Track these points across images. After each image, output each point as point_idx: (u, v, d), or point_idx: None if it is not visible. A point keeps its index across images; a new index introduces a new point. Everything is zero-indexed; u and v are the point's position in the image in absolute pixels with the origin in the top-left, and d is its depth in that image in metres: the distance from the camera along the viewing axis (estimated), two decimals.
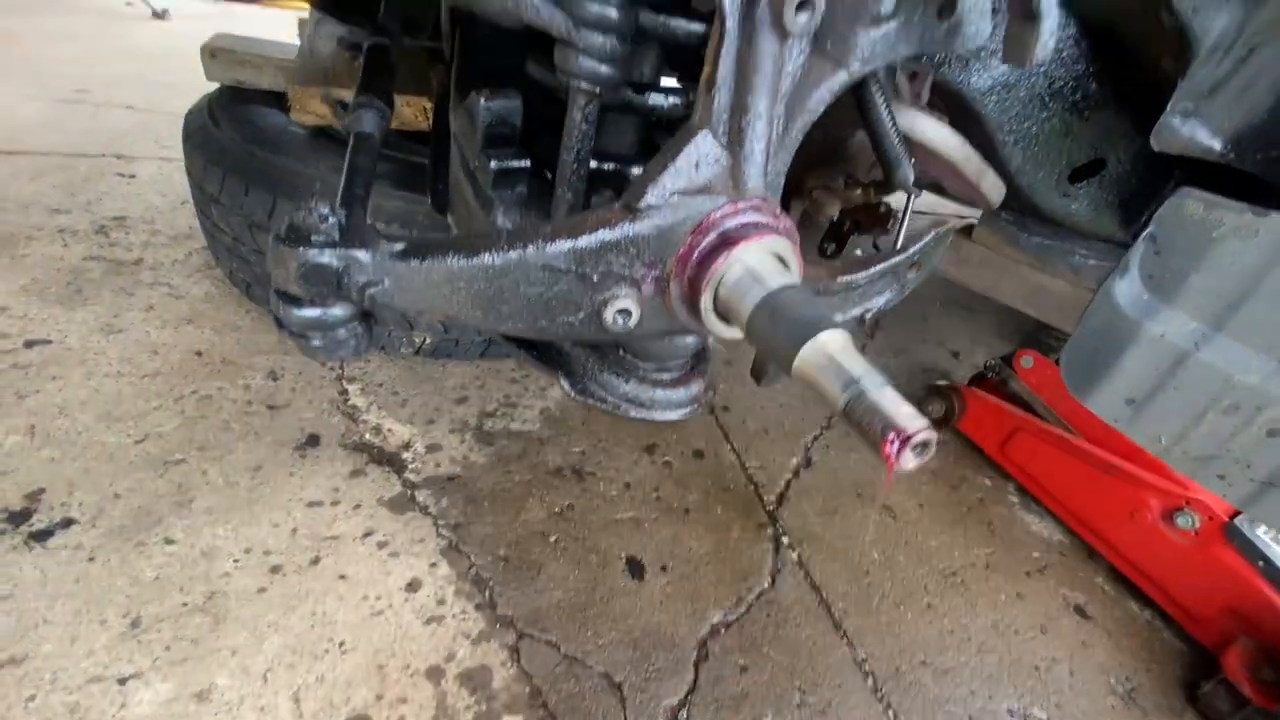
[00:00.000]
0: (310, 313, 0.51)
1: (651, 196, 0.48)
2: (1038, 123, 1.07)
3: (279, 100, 1.30)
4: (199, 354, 1.29)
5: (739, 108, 0.48)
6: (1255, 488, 0.85)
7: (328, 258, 0.48)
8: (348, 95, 1.14)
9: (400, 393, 1.31)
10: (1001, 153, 1.09)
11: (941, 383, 1.58)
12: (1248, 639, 1.09)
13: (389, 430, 1.22)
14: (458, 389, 1.35)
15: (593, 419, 1.36)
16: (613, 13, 0.52)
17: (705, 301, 0.48)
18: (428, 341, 1.30)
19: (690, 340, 0.63)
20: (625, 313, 0.51)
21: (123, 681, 0.79)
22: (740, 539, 1.17)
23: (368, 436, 1.20)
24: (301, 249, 0.47)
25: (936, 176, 0.76)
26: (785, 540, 1.20)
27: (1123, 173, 1.15)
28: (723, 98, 0.48)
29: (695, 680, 0.94)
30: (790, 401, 1.57)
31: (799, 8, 0.44)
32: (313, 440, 1.16)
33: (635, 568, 1.08)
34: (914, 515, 1.33)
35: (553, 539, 1.09)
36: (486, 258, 0.49)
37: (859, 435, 0.37)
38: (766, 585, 1.11)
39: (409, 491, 1.11)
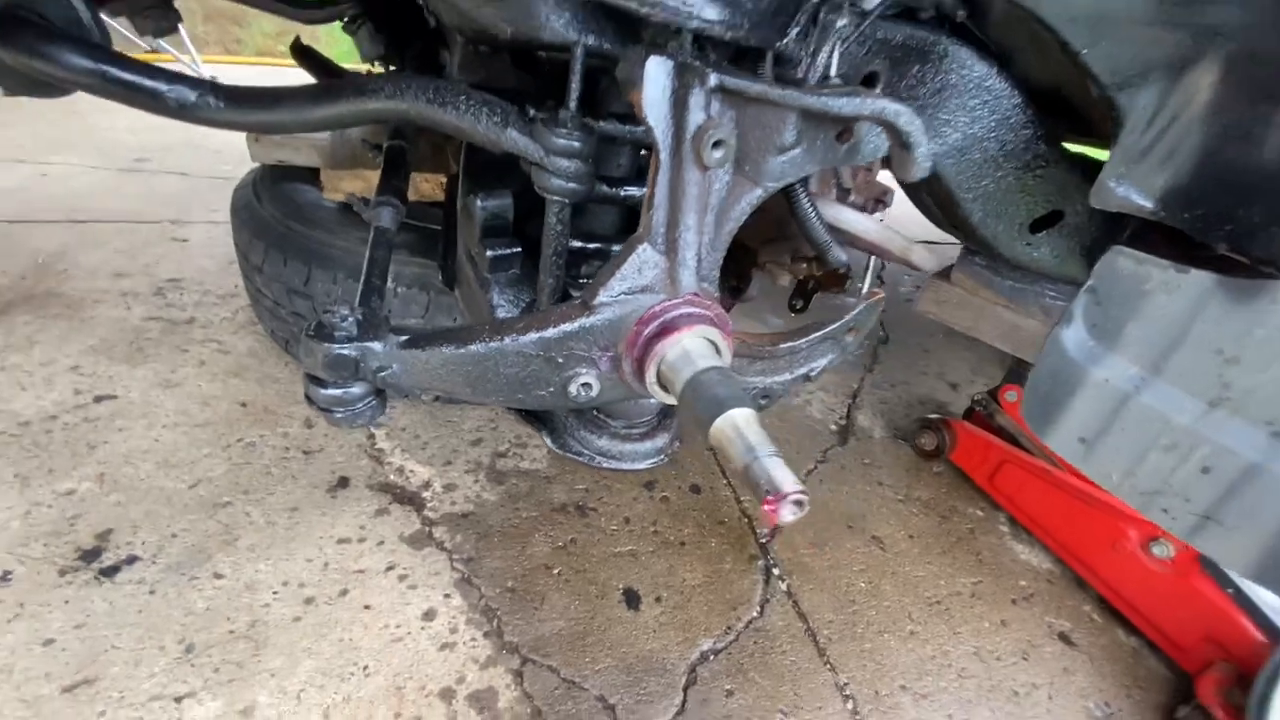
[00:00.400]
0: (333, 392, 0.63)
1: (603, 295, 0.59)
2: (994, 180, 1.16)
3: (315, 175, 1.47)
4: (244, 405, 1.44)
5: (673, 223, 0.59)
6: (1195, 520, 0.91)
7: (347, 350, 0.60)
8: (371, 178, 1.29)
9: (421, 436, 1.43)
10: (963, 208, 1.19)
11: (933, 416, 1.64)
12: (1224, 664, 1.12)
13: (411, 471, 1.34)
14: (473, 431, 1.47)
15: None
16: (575, 144, 0.64)
17: (650, 376, 0.59)
18: None
19: (653, 401, 0.74)
20: (587, 385, 0.62)
21: (179, 700, 0.92)
22: (732, 570, 1.26)
23: (391, 477, 1.32)
24: (326, 344, 0.59)
25: (869, 253, 0.85)
26: (775, 571, 1.28)
27: (1081, 222, 1.23)
28: (660, 215, 0.59)
29: (683, 703, 1.02)
30: (786, 436, 1.66)
31: (714, 146, 0.55)
32: (343, 482, 1.29)
33: (632, 598, 1.17)
34: (903, 545, 1.39)
35: (556, 571, 1.19)
36: (473, 347, 0.61)
37: (751, 492, 0.47)
38: (755, 614, 1.18)
39: (427, 529, 1.23)
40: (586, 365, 0.62)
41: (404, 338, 0.62)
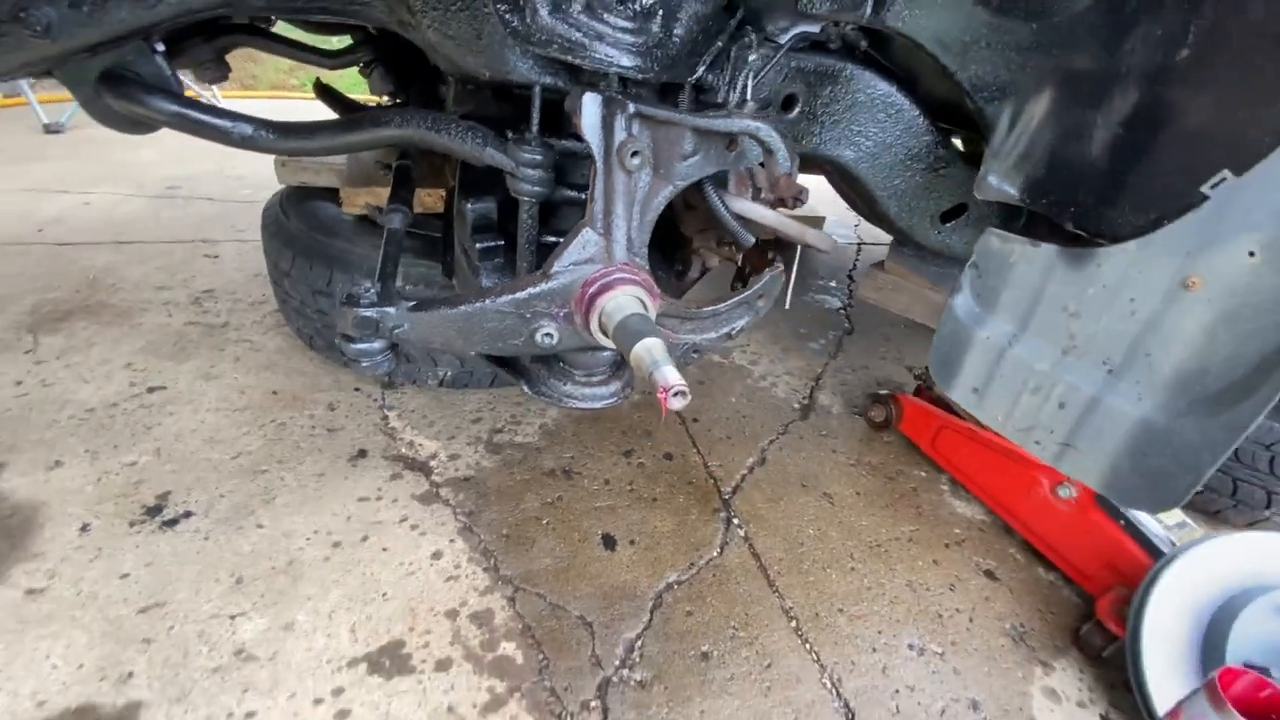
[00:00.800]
0: (360, 346, 0.84)
1: (558, 266, 0.81)
2: (904, 180, 1.38)
3: (333, 195, 1.70)
4: (275, 393, 1.66)
5: (608, 211, 0.80)
6: (1058, 448, 1.11)
7: (370, 313, 0.82)
8: (383, 195, 1.51)
9: (428, 416, 1.65)
10: (882, 204, 1.42)
11: (882, 392, 1.84)
12: (1121, 587, 1.31)
13: (420, 444, 1.55)
14: (474, 411, 1.68)
15: (581, 431, 1.67)
16: (538, 157, 0.85)
17: (594, 324, 0.80)
18: (448, 375, 1.64)
19: (606, 355, 0.95)
20: (549, 335, 0.83)
21: (233, 618, 1.12)
22: (697, 520, 1.46)
23: (403, 450, 1.53)
24: (354, 309, 0.80)
25: (772, 236, 1.06)
26: (735, 521, 1.47)
27: (983, 213, 1.45)
28: (598, 206, 0.81)
29: (650, 620, 1.21)
30: (753, 413, 1.86)
31: (633, 155, 0.77)
32: (362, 453, 1.50)
33: (609, 541, 1.37)
34: (851, 501, 1.59)
35: (544, 521, 1.39)
36: (463, 308, 0.83)
37: (654, 389, 0.68)
38: (715, 554, 1.38)
39: (434, 489, 1.43)
40: (548, 319, 0.83)
41: (412, 303, 0.84)
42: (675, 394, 0.65)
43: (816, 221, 3.15)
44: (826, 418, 1.89)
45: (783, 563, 1.38)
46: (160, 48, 0.91)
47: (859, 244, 3.36)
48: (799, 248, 1.31)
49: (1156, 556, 1.26)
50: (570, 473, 1.53)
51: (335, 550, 1.26)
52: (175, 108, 0.90)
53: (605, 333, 0.80)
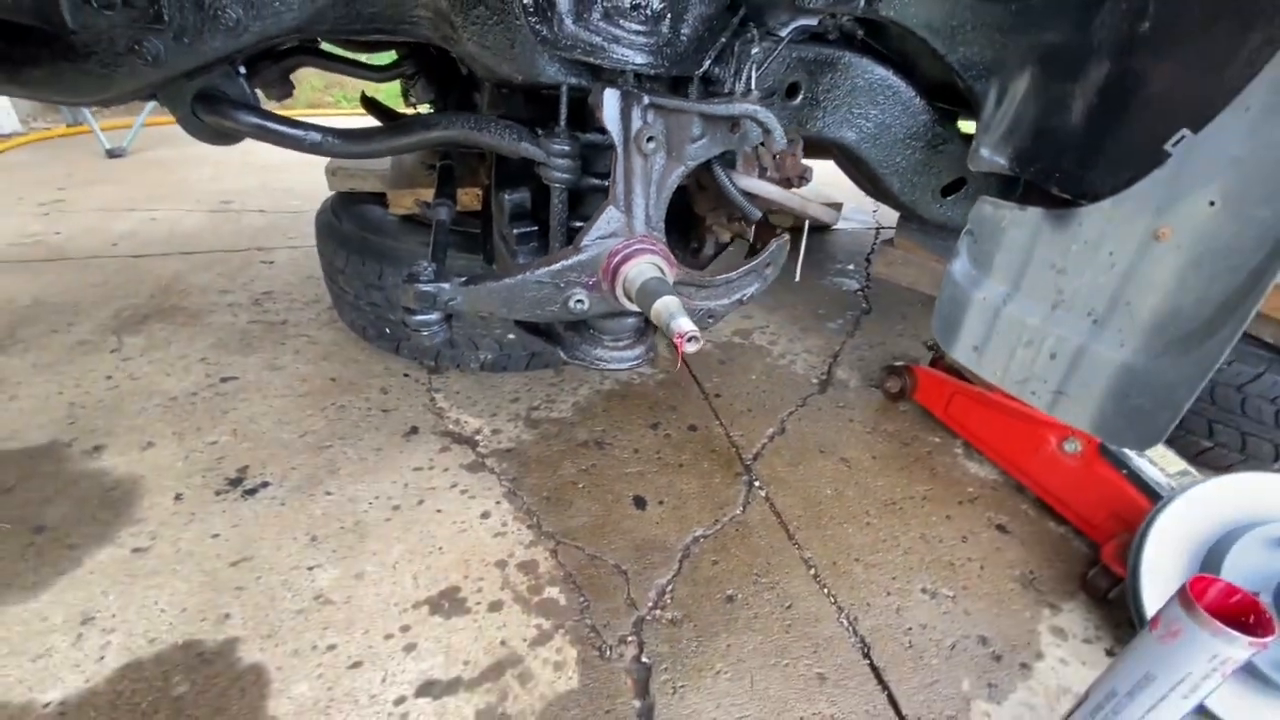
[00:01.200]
0: (420, 318, 0.98)
1: (587, 240, 0.93)
2: (905, 157, 1.48)
3: (380, 198, 1.86)
4: (333, 380, 1.82)
5: (628, 191, 0.93)
6: (1052, 396, 1.20)
7: (428, 288, 0.95)
8: (426, 194, 1.66)
9: (471, 396, 1.79)
10: (885, 181, 1.52)
11: (897, 363, 1.93)
12: (1125, 533, 1.38)
13: (465, 421, 1.70)
14: (512, 392, 1.82)
15: (611, 407, 1.80)
16: (566, 148, 0.98)
17: (619, 289, 0.92)
18: (488, 358, 1.79)
19: (630, 321, 1.07)
20: (580, 301, 0.96)
21: (310, 569, 1.27)
22: (721, 483, 1.57)
23: (450, 426, 1.68)
24: (415, 284, 0.94)
25: (779, 210, 1.17)
26: (756, 483, 1.58)
27: (981, 186, 1.54)
28: (619, 187, 0.93)
29: (679, 568, 1.33)
30: (773, 388, 1.96)
31: (648, 141, 0.89)
32: (414, 430, 1.65)
33: (640, 502, 1.49)
34: (867, 464, 1.68)
35: (580, 485, 1.52)
36: (506, 281, 0.95)
37: (669, 337, 0.79)
38: (739, 512, 1.49)
39: (480, 459, 1.57)
40: (579, 288, 0.96)
41: (464, 279, 0.97)
42: (689, 340, 0.77)
43: (834, 206, 3.24)
44: (844, 391, 1.98)
45: (802, 519, 1.48)
46: (242, 70, 1.06)
47: (877, 228, 3.42)
48: (806, 223, 1.41)
49: (1155, 499, 1.33)
50: (602, 443, 1.66)
51: (395, 512, 1.41)
52: (257, 120, 1.05)
53: (629, 296, 0.92)
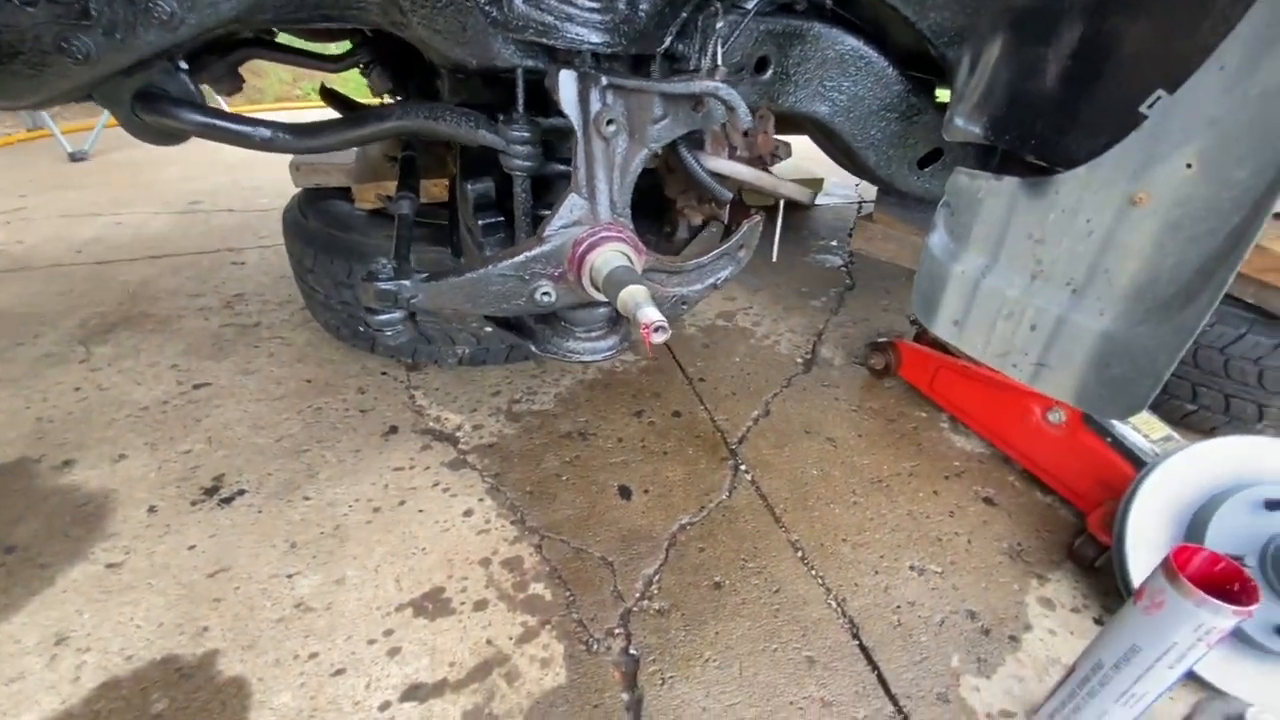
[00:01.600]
0: (382, 317, 0.95)
1: (550, 230, 0.90)
2: (879, 130, 1.45)
3: (345, 193, 1.81)
4: (309, 381, 1.78)
5: (590, 177, 0.89)
6: (1033, 368, 1.19)
7: (388, 286, 0.92)
8: (390, 188, 1.61)
9: (451, 392, 1.76)
10: (861, 155, 1.49)
11: (881, 339, 1.91)
12: (1111, 501, 1.37)
13: (445, 418, 1.67)
14: (493, 386, 1.79)
15: (594, 396, 1.77)
16: (525, 134, 0.94)
17: (585, 280, 0.89)
18: (466, 353, 1.75)
19: (602, 311, 1.04)
20: (547, 293, 0.93)
21: (289, 576, 1.25)
22: (706, 469, 1.55)
23: (430, 424, 1.65)
24: (375, 283, 0.91)
25: (754, 190, 1.14)
26: (742, 467, 1.57)
27: (958, 156, 1.51)
28: (581, 173, 0.90)
29: (666, 558, 1.32)
30: (757, 370, 1.94)
31: (608, 124, 0.86)
32: (393, 429, 1.62)
33: (625, 492, 1.47)
34: (853, 443, 1.67)
35: (564, 478, 1.50)
36: (469, 275, 0.92)
37: (637, 329, 0.77)
38: (724, 497, 1.48)
39: (462, 456, 1.55)
40: (545, 279, 0.93)
41: (425, 274, 0.94)
42: (656, 329, 0.74)
43: (815, 183, 3.20)
44: (828, 369, 1.97)
45: (788, 501, 1.47)
46: (184, 66, 1.01)
47: (860, 202, 3.39)
48: (782, 202, 1.38)
49: (1139, 466, 1.33)
50: (585, 434, 1.64)
51: (376, 514, 1.38)
52: (202, 118, 1.00)
53: (596, 286, 0.89)
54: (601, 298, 0.90)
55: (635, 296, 0.79)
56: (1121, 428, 1.39)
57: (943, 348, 1.79)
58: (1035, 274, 1.12)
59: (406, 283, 0.92)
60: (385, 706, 1.04)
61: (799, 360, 2.01)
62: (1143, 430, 1.39)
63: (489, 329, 1.70)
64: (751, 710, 1.06)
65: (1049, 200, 1.07)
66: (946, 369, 1.73)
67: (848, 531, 1.41)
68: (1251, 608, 0.78)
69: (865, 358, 1.93)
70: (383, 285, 0.91)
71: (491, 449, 1.58)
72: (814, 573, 1.31)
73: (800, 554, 1.35)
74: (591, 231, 0.90)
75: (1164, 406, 1.69)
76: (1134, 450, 1.35)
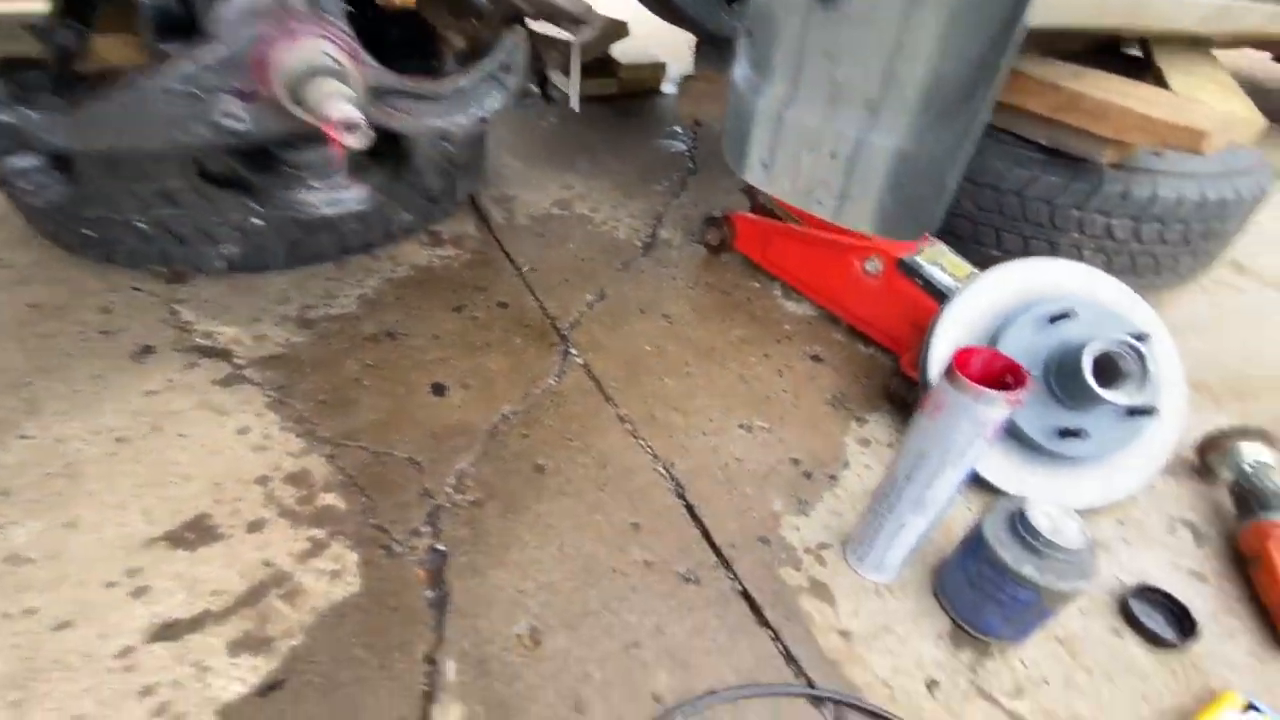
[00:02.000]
0: (11, 164, 0.70)
1: (221, 21, 0.68)
2: None
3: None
4: (33, 307, 1.43)
5: None
6: (836, 202, 1.13)
7: (5, 117, 0.67)
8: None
9: (227, 304, 1.49)
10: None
11: (715, 214, 1.84)
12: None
13: (218, 333, 1.41)
14: (279, 294, 1.53)
15: (406, 295, 1.57)
16: None
17: (280, 89, 0.70)
18: (234, 253, 1.47)
19: (334, 152, 0.85)
20: (234, 116, 0.72)
21: (0, 528, 1.00)
22: (534, 358, 1.43)
23: (198, 340, 1.38)
24: None
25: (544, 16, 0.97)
26: (573, 352, 1.46)
27: None
28: None
29: (484, 450, 1.20)
30: (593, 255, 1.82)
31: None
32: (147, 350, 1.34)
33: (439, 389, 1.32)
34: (689, 318, 1.61)
35: (366, 383, 1.32)
36: (118, 96, 0.69)
37: (330, 130, 0.60)
38: (552, 383, 1.37)
39: (238, 371, 1.32)
40: (229, 96, 0.72)
41: (63, 101, 0.70)
42: (349, 128, 0.57)
43: (658, 68, 3.03)
44: (667, 250, 1.88)
45: (620, 379, 1.39)
46: None
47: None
48: (576, 39, 1.22)
49: (944, 301, 1.36)
50: (395, 334, 1.45)
51: (120, 445, 1.14)
52: None
53: (298, 101, 0.70)
54: (308, 116, 0.71)
55: (323, 88, 0.61)
56: (930, 269, 1.42)
57: (769, 212, 1.75)
58: (834, 97, 1.05)
59: (33, 114, 0.68)
60: (126, 652, 0.86)
61: (637, 244, 1.90)
62: (950, 271, 1.43)
63: (257, 220, 1.41)
64: (570, 583, 0.99)
65: (844, 13, 0.98)
66: (777, 235, 1.70)
67: (678, 400, 1.35)
68: (1020, 393, 0.79)
69: (701, 234, 1.86)
70: None
71: (277, 360, 1.36)
72: (643, 443, 1.25)
73: (629, 426, 1.28)
74: (281, 27, 0.69)
75: (972, 253, 1.77)
76: (941, 288, 1.38)
